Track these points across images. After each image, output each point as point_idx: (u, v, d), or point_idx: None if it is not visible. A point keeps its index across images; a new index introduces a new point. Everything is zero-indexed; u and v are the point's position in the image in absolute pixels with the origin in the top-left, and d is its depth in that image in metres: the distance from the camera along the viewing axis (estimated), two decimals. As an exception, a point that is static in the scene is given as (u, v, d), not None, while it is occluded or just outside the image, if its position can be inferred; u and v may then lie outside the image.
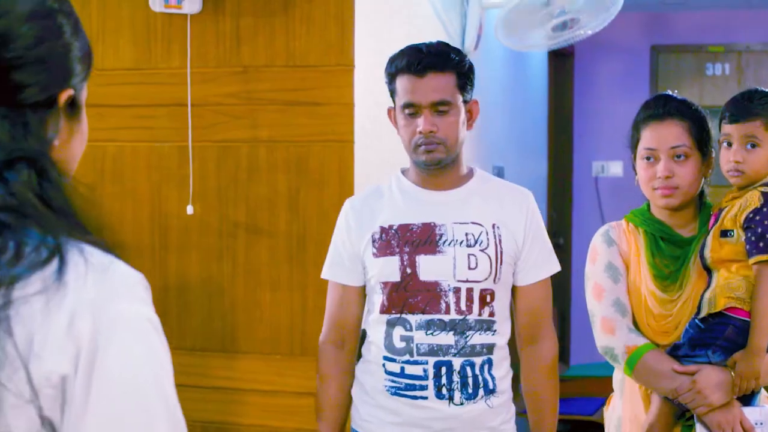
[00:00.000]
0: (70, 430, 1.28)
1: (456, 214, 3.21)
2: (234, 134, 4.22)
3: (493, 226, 3.20)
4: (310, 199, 4.13)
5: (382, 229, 3.22)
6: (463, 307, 3.15)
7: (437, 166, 3.19)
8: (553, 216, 8.75)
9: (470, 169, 3.32)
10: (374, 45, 4.25)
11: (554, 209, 8.80)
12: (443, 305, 3.15)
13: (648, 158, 3.25)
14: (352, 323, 3.34)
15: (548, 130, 8.57)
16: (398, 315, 3.18)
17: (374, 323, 3.25)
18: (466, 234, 3.18)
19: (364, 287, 3.30)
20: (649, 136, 3.25)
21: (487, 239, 3.18)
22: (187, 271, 4.30)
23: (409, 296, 3.17)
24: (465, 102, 3.20)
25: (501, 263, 3.18)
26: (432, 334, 3.15)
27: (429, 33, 4.92)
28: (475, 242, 3.18)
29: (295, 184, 4.15)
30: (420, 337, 3.15)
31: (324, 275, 3.36)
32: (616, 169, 9.02)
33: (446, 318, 3.15)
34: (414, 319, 3.16)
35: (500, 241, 3.19)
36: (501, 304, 3.22)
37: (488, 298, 3.18)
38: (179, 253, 4.31)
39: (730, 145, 3.17)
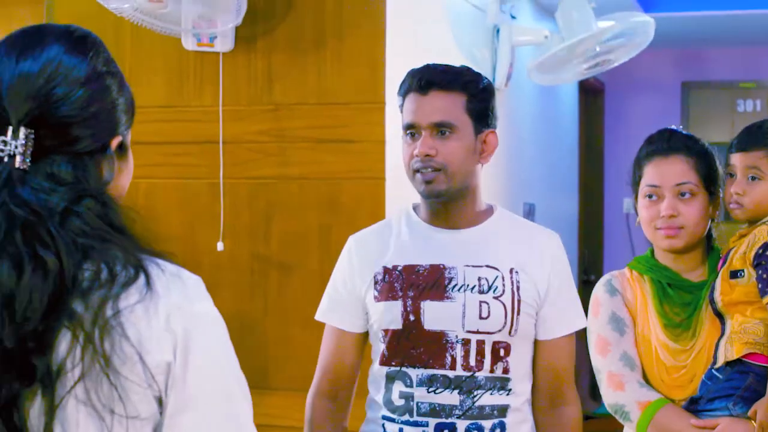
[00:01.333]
0: (173, 403, 1.64)
1: (469, 256, 2.83)
2: (265, 171, 4.23)
3: (511, 270, 2.82)
4: (341, 236, 4.12)
5: (386, 270, 2.86)
6: (472, 362, 2.77)
7: (440, 199, 2.83)
8: (584, 253, 8.72)
9: (490, 207, 2.97)
10: (405, 82, 4.26)
11: (585, 246, 8.78)
12: (448, 359, 2.77)
13: (650, 196, 3.03)
14: (348, 373, 2.99)
15: (579, 167, 8.56)
16: (398, 368, 2.82)
17: (375, 376, 2.91)
18: (479, 279, 2.80)
19: (364, 334, 2.96)
20: (652, 173, 3.05)
21: (503, 285, 2.79)
22: (219, 308, 4.27)
23: (410, 347, 2.80)
24: (478, 130, 2.83)
25: (518, 313, 2.80)
26: (434, 391, 2.77)
27: (460, 70, 4.92)
28: (489, 288, 2.79)
29: (327, 221, 4.16)
30: (421, 395, 2.77)
31: (318, 317, 3.03)
32: (647, 205, 8.98)
33: (451, 374, 2.77)
34: (415, 373, 2.79)
35: (518, 288, 2.81)
36: (519, 361, 2.84)
37: (502, 353, 2.79)
38: (210, 289, 4.28)
39: (733, 176, 3.00)
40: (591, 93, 8.87)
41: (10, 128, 1.65)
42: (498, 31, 5.41)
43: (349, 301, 2.95)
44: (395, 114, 4.11)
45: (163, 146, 4.36)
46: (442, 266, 2.82)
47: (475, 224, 2.90)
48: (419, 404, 2.78)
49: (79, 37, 1.79)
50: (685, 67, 9.27)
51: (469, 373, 2.77)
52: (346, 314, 2.96)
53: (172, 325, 1.66)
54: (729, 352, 2.85)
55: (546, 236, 2.96)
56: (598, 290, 3.10)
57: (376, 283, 2.87)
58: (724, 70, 9.20)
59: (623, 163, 9.69)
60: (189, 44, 4.13)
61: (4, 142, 1.65)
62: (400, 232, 2.93)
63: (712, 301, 2.92)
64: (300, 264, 4.20)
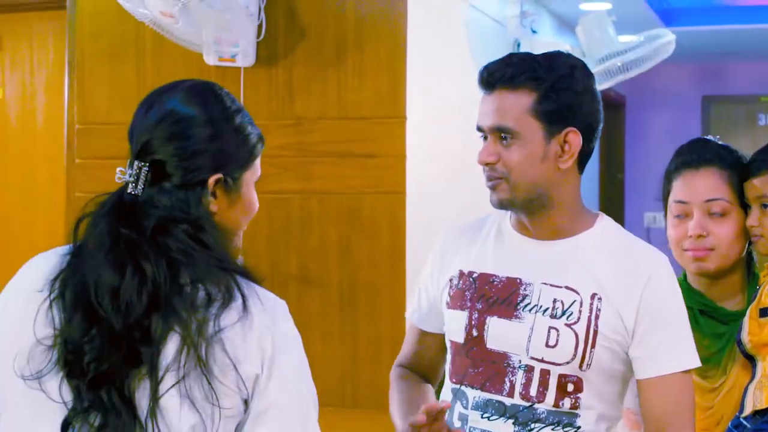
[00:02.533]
0: (256, 406, 1.97)
1: (549, 274, 2.48)
2: (286, 186, 4.24)
3: (593, 296, 2.44)
4: (361, 250, 4.14)
5: (461, 275, 2.58)
6: (533, 392, 2.44)
7: (509, 210, 2.54)
8: (604, 267, 8.69)
9: (594, 217, 2.58)
10: (426, 97, 4.26)
11: (606, 260, 8.75)
12: (507, 385, 2.47)
13: (678, 215, 2.72)
14: (432, 363, 2.76)
15: (599, 181, 8.55)
16: (458, 386, 2.55)
17: (445, 389, 2.64)
18: (555, 301, 2.46)
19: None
20: (680, 188, 2.72)
21: (579, 312, 2.43)
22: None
23: (470, 365, 2.52)
24: (553, 132, 2.45)
25: (593, 345, 2.42)
26: (488, 418, 2.48)
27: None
28: (563, 313, 2.44)
29: (347, 236, 4.16)
30: (474, 420, 2.50)
31: (406, 312, 2.83)
32: (668, 220, 8.97)
33: (507, 401, 2.46)
34: (472, 394, 2.51)
35: (597, 317, 2.43)
36: (597, 398, 2.46)
37: (570, 387, 2.44)
38: (231, 303, 4.32)
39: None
40: (612, 107, 8.87)
41: (129, 162, 2.05)
42: (519, 45, 5.41)
43: (428, 301, 2.70)
44: (416, 128, 4.13)
45: (185, 160, 4.37)
46: (518, 281, 2.51)
47: (566, 236, 2.53)
48: (472, 429, 2.50)
49: (192, 90, 2.12)
50: (706, 81, 9.26)
51: (527, 404, 2.45)
52: (424, 313, 2.72)
53: (262, 343, 1.98)
54: (758, 399, 2.50)
55: (649, 259, 2.52)
56: None
57: (450, 286, 2.61)
58: (745, 84, 9.18)
59: (644, 177, 9.72)
60: (210, 59, 4.14)
61: (122, 172, 2.04)
62: (488, 235, 2.62)
63: (739, 343, 2.59)
64: (320, 278, 4.20)
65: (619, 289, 2.44)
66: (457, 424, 2.53)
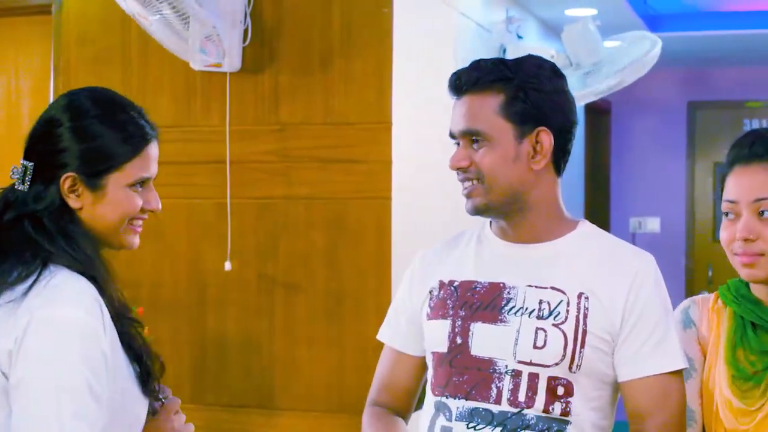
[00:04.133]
0: (11, 381, 2.05)
1: (532, 275, 2.42)
2: (272, 191, 4.24)
3: (580, 296, 2.37)
4: (347, 256, 4.14)
5: (441, 285, 2.51)
6: (521, 397, 2.35)
7: (487, 215, 2.49)
8: (590, 272, 8.70)
9: (576, 222, 2.53)
10: (412, 102, 4.27)
11: (591, 265, 8.76)
12: (494, 391, 2.37)
13: (727, 214, 2.42)
14: (406, 392, 2.65)
15: (585, 186, 8.56)
16: (440, 398, 2.44)
17: (426, 407, 2.52)
18: (540, 302, 2.39)
19: (423, 358, 2.59)
20: (730, 185, 2.41)
21: (567, 312, 2.36)
22: (225, 327, 4.31)
23: (454, 374, 2.42)
24: (524, 132, 2.40)
25: (582, 346, 2.34)
26: (474, 428, 2.37)
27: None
28: (549, 314, 2.37)
29: (333, 241, 4.16)
30: (459, 431, 2.39)
31: (378, 335, 2.71)
32: (653, 225, 8.99)
33: (495, 409, 2.36)
34: (455, 405, 2.40)
35: (585, 316, 2.36)
36: (586, 404, 2.37)
37: (560, 391, 2.35)
38: (217, 309, 4.32)
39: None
40: (597, 113, 8.88)
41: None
42: (504, 50, 5.42)
43: (408, 320, 2.60)
44: (401, 134, 4.13)
45: (170, 166, 4.36)
46: (502, 285, 2.43)
47: (549, 239, 2.48)
48: None
49: (71, 95, 2.27)
50: (692, 87, 9.28)
51: (516, 410, 2.35)
52: (404, 335, 2.61)
53: (20, 321, 2.06)
54: None
55: (635, 258, 2.45)
56: (674, 319, 2.52)
57: (431, 298, 2.53)
58: (731, 90, 9.20)
59: (629, 183, 9.73)
60: (196, 64, 4.14)
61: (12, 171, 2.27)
62: (468, 245, 2.56)
63: None
64: (306, 283, 4.20)
65: (606, 288, 2.38)
66: None
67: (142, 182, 2.28)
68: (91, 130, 2.20)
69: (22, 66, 5.27)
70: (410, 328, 2.59)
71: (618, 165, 9.26)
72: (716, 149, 9.09)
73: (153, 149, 2.31)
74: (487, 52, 5.31)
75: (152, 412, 2.29)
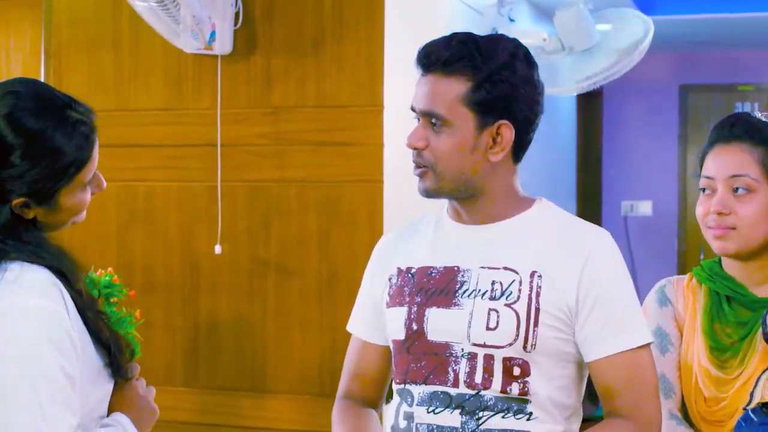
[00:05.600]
0: None
1: (485, 257, 2.38)
2: (264, 174, 4.23)
3: (533, 274, 2.34)
4: (340, 239, 4.14)
5: (399, 272, 2.48)
6: (478, 379, 2.33)
7: (436, 198, 2.46)
8: (582, 256, 8.72)
9: (532, 201, 2.48)
10: (404, 86, 4.25)
11: (583, 249, 8.77)
12: (450, 375, 2.35)
13: (704, 189, 2.56)
14: (374, 382, 2.61)
15: (577, 170, 8.57)
16: (402, 385, 2.43)
17: (393, 395, 2.51)
18: (493, 282, 2.35)
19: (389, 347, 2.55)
20: (710, 162, 2.57)
21: (519, 291, 2.33)
22: (218, 311, 4.31)
23: (412, 360, 2.40)
24: (485, 123, 2.34)
25: (536, 324, 2.31)
26: (434, 411, 2.36)
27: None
28: (501, 294, 2.33)
29: (326, 225, 4.16)
30: (420, 415, 2.37)
31: (347, 326, 2.69)
32: (645, 208, 9.00)
33: (453, 391, 2.35)
34: (417, 390, 2.38)
35: (538, 294, 2.32)
36: (546, 383, 2.35)
37: (516, 371, 2.32)
38: (209, 292, 4.32)
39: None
40: (588, 96, 8.87)
41: None
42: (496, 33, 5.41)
43: (372, 308, 2.56)
44: (394, 117, 4.13)
45: (162, 149, 4.36)
46: (456, 269, 2.40)
47: (501, 219, 2.42)
48: (418, 426, 2.37)
49: (13, 112, 2.16)
50: (683, 70, 9.28)
51: (473, 392, 2.33)
52: (367, 323, 2.58)
53: None
54: (767, 391, 2.40)
55: (589, 235, 2.41)
56: (649, 298, 2.67)
57: (390, 286, 2.50)
58: (722, 73, 9.20)
59: (621, 166, 9.73)
60: (188, 47, 4.13)
61: None
62: (426, 230, 2.53)
63: (764, 324, 2.43)
64: (299, 267, 4.20)
65: (559, 266, 2.34)
66: (402, 424, 2.42)
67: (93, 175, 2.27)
68: (41, 151, 2.15)
69: (14, 49, 5.26)
70: (374, 317, 2.55)
71: (610, 148, 9.26)
72: (708, 133, 9.09)
73: (96, 146, 2.25)
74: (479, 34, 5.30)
75: None
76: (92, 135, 2.22)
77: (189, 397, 4.31)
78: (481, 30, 5.29)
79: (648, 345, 2.36)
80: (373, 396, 2.61)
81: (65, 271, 2.16)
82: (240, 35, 4.23)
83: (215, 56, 4.23)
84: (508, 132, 2.35)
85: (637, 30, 5.09)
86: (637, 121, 9.25)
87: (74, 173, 2.19)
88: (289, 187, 4.21)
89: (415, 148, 2.39)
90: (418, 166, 2.41)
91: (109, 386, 2.24)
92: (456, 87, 2.34)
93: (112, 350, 2.21)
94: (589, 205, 8.96)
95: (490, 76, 2.33)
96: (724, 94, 9.26)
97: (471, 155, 2.36)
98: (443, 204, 2.53)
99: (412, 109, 2.42)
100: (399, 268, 2.49)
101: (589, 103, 8.98)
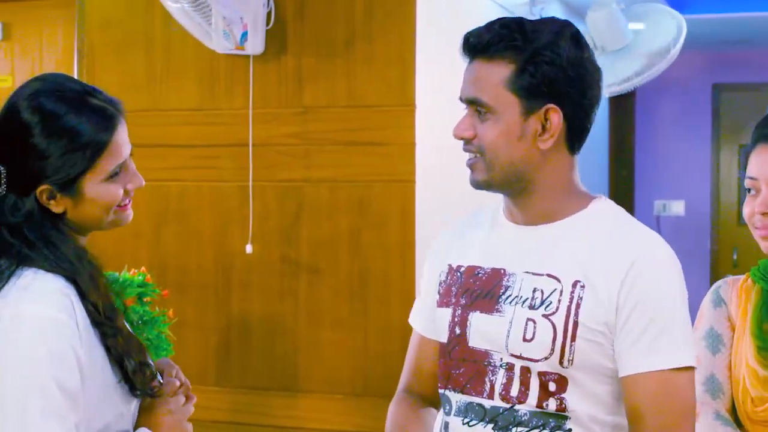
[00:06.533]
0: None
1: (531, 261, 2.24)
2: (295, 174, 4.24)
3: (575, 284, 2.18)
4: (371, 238, 4.14)
5: (450, 270, 2.37)
6: (513, 392, 2.20)
7: (488, 190, 2.30)
8: (614, 255, 8.69)
9: (590, 199, 2.32)
10: (435, 85, 4.26)
11: (615, 248, 8.74)
12: (487, 385, 2.23)
13: (749, 190, 2.49)
14: (432, 377, 2.42)
15: (609, 169, 8.54)
16: (443, 390, 2.33)
17: None
18: (534, 290, 2.21)
19: None
20: (753, 162, 2.49)
21: (559, 301, 2.18)
22: (249, 310, 4.31)
23: (453, 366, 2.29)
24: (531, 109, 2.20)
25: (573, 339, 2.16)
26: (468, 423, 2.25)
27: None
28: (541, 303, 2.19)
29: (357, 224, 4.16)
30: (455, 427, 2.28)
31: (409, 318, 2.55)
32: (678, 208, 8.96)
33: (487, 404, 2.23)
34: (454, 399, 2.29)
35: (578, 306, 2.16)
36: (585, 400, 2.19)
37: (552, 387, 2.18)
38: (241, 292, 4.33)
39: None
40: (621, 96, 8.83)
41: None
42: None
43: (429, 302, 2.43)
44: (425, 116, 4.12)
45: (194, 149, 4.38)
46: (502, 271, 2.27)
47: (555, 220, 2.27)
48: None
49: (35, 95, 2.19)
50: (716, 69, 9.22)
51: (507, 405, 2.20)
52: (424, 317, 2.46)
53: None
54: None
55: (638, 242, 2.23)
56: (705, 299, 2.60)
57: (440, 284, 2.39)
58: (756, 72, 9.14)
59: (654, 166, 9.67)
60: (220, 47, 4.14)
61: None
62: (481, 226, 2.39)
63: None
64: (329, 266, 4.20)
65: (603, 274, 2.17)
66: None
67: (120, 167, 2.23)
68: (61, 136, 2.14)
69: (47, 49, 5.29)
70: (431, 312, 2.42)
71: (642, 148, 9.22)
72: (741, 132, 9.04)
73: (121, 133, 2.22)
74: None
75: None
76: (113, 120, 2.20)
77: (221, 396, 4.32)
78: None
79: (688, 369, 2.17)
80: (431, 391, 2.43)
81: (80, 282, 2.13)
82: (271, 35, 4.23)
83: (247, 56, 4.23)
84: (556, 117, 2.20)
85: (671, 29, 5.07)
86: (669, 120, 9.20)
87: (94, 155, 2.16)
88: (320, 186, 4.21)
89: (461, 138, 2.27)
90: (468, 156, 2.28)
91: (129, 403, 2.21)
92: (499, 71, 2.19)
93: (126, 367, 2.18)
94: (622, 204, 8.81)
95: (533, 57, 2.18)
96: (758, 93, 9.19)
97: (519, 143, 2.21)
98: (498, 200, 2.39)
99: (460, 99, 2.28)
100: (450, 265, 2.38)
101: (622, 103, 8.94)
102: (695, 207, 8.94)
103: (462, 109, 2.29)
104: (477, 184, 2.29)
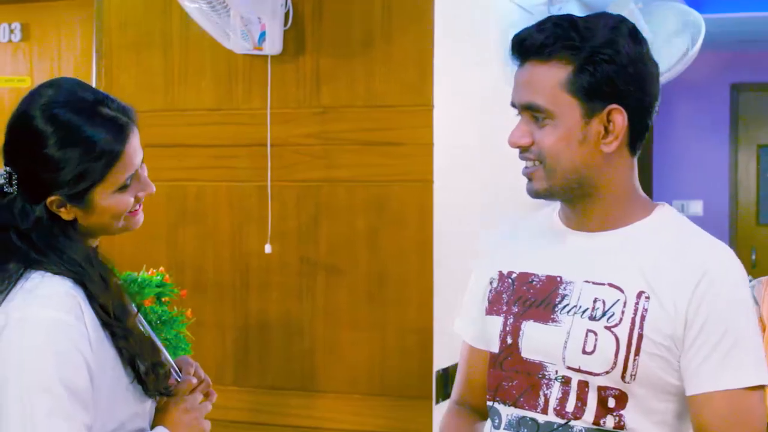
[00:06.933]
0: None
1: (591, 269, 2.15)
2: (313, 174, 4.24)
3: (639, 295, 2.08)
4: (389, 239, 4.14)
5: (500, 276, 2.28)
6: (569, 407, 2.10)
7: (548, 199, 2.21)
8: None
9: (653, 206, 2.23)
10: (453, 85, 4.25)
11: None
12: (541, 399, 2.14)
13: None
14: (483, 388, 2.32)
15: (627, 169, 8.53)
16: (492, 402, 2.24)
17: None
18: (595, 300, 2.11)
19: None
20: None
21: (622, 313, 2.07)
22: (267, 310, 4.31)
23: (504, 377, 2.20)
24: (593, 110, 2.10)
25: (637, 353, 2.06)
26: None
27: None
28: (603, 314, 2.09)
29: (374, 224, 4.16)
30: None
31: (455, 325, 2.47)
32: (696, 208, 8.94)
33: (541, 419, 2.14)
34: (505, 412, 2.20)
35: (643, 318, 2.06)
36: (646, 417, 2.10)
37: (611, 403, 2.08)
38: (259, 291, 4.33)
39: None
40: (639, 95, 8.83)
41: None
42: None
43: (476, 309, 2.34)
44: (443, 116, 4.12)
45: (212, 149, 4.38)
46: (559, 279, 2.17)
47: (616, 227, 2.18)
48: None
49: (49, 105, 2.19)
50: (735, 69, 9.20)
51: (562, 421, 2.11)
52: (471, 325, 2.38)
53: (0, 321, 2.07)
54: None
55: (708, 253, 2.12)
56: None
57: (489, 290, 2.29)
58: (774, 72, 9.13)
59: (672, 166, 9.64)
60: (238, 48, 4.14)
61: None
62: (535, 230, 2.30)
63: None
64: (348, 267, 4.20)
65: (669, 286, 2.07)
66: None
67: (131, 177, 2.24)
68: (74, 148, 2.14)
69: (65, 49, 5.30)
70: (478, 320, 2.33)
71: (660, 148, 9.21)
72: (760, 132, 9.02)
73: (133, 142, 2.22)
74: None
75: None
76: (125, 131, 2.19)
77: (239, 395, 4.32)
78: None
79: (761, 388, 2.07)
80: (484, 403, 2.33)
81: (88, 284, 2.14)
82: (289, 35, 4.23)
83: (265, 56, 4.23)
84: (620, 118, 2.11)
85: (687, 31, 5.04)
86: (687, 120, 9.18)
87: (106, 167, 2.16)
88: (338, 186, 4.21)
89: (518, 146, 2.16)
90: (526, 165, 2.17)
91: (144, 402, 2.22)
92: (555, 73, 2.09)
93: (138, 368, 2.19)
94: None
95: (592, 56, 2.08)
96: (776, 92, 9.18)
97: (581, 147, 2.11)
98: (555, 204, 2.29)
99: (513, 105, 2.18)
100: (500, 272, 2.28)
101: (639, 102, 8.93)
102: (713, 207, 8.92)
103: (515, 116, 2.20)
104: (536, 194, 2.18)
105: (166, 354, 2.38)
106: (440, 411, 3.25)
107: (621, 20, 2.15)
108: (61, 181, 2.15)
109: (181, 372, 2.38)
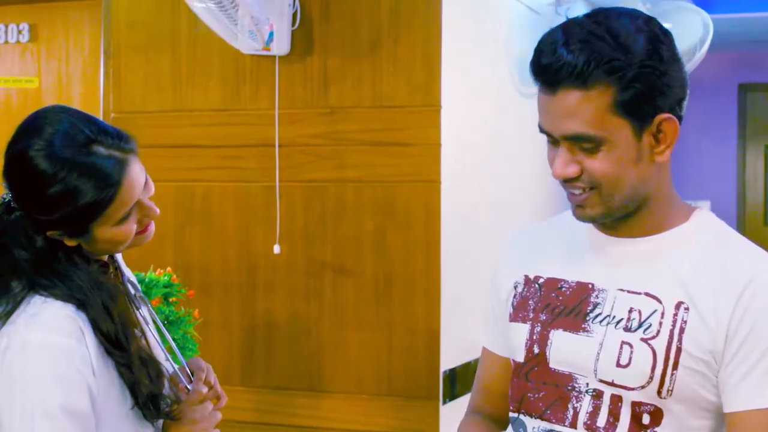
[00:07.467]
0: None
1: (626, 277, 2.03)
2: (321, 174, 4.24)
3: (678, 305, 1.97)
4: (396, 239, 4.14)
5: (526, 281, 2.17)
6: (600, 422, 2.00)
7: (602, 222, 2.08)
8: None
9: (691, 210, 2.12)
10: (461, 85, 4.25)
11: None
12: (570, 413, 2.03)
13: None
14: (502, 397, 2.25)
15: (635, 170, 8.52)
16: (516, 414, 2.14)
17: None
18: (630, 310, 2.00)
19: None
20: None
21: (660, 324, 1.96)
22: (274, 310, 4.32)
23: (530, 388, 2.10)
24: (644, 123, 1.97)
25: (675, 367, 1.95)
26: None
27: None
28: (639, 326, 1.98)
29: (382, 225, 4.16)
30: None
31: (480, 335, 2.38)
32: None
33: None
34: (531, 425, 2.09)
35: (682, 330, 1.95)
36: None
37: (645, 419, 1.97)
38: (266, 292, 4.33)
39: None
40: (647, 95, 8.83)
41: None
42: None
43: (496, 315, 2.25)
44: (451, 117, 4.12)
45: (220, 149, 4.38)
46: (590, 286, 2.06)
47: (654, 233, 2.06)
48: None
49: (51, 144, 2.16)
50: (742, 70, 9.20)
51: None
52: (492, 332, 2.28)
53: (2, 344, 2.09)
54: None
55: (750, 261, 2.00)
56: None
57: (514, 295, 2.19)
58: (783, 73, 9.12)
59: (680, 167, 9.64)
60: (246, 48, 4.15)
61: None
62: (563, 234, 2.19)
63: None
64: (355, 267, 4.20)
65: (710, 297, 1.95)
66: None
67: (131, 208, 2.24)
68: (58, 192, 2.12)
69: (73, 49, 5.31)
70: (499, 325, 2.24)
71: (668, 148, 9.21)
72: (767, 132, 9.00)
73: (131, 174, 2.19)
74: (536, 34, 5.27)
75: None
76: (123, 165, 2.16)
77: (246, 396, 4.32)
78: (537, 29, 5.27)
79: None
80: (503, 412, 2.25)
81: (90, 312, 2.14)
82: (297, 36, 4.23)
83: (273, 57, 4.23)
84: (671, 125, 2.03)
85: (697, 29, 5.04)
86: (695, 120, 9.16)
87: (99, 211, 2.16)
88: (346, 187, 4.21)
89: (565, 178, 2.01)
90: (577, 194, 2.04)
91: (149, 427, 2.23)
92: (599, 98, 1.93)
93: (138, 395, 2.19)
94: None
95: (638, 74, 1.94)
96: (784, 93, 9.17)
97: (637, 166, 2.00)
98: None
99: (547, 133, 2.03)
100: (527, 276, 2.18)
101: (647, 103, 8.93)
102: (721, 207, 8.91)
103: (545, 142, 2.06)
104: (591, 220, 2.06)
105: (174, 366, 2.38)
106: (447, 412, 3.24)
107: (647, 20, 2.03)
108: (57, 221, 2.16)
109: (193, 375, 2.38)
